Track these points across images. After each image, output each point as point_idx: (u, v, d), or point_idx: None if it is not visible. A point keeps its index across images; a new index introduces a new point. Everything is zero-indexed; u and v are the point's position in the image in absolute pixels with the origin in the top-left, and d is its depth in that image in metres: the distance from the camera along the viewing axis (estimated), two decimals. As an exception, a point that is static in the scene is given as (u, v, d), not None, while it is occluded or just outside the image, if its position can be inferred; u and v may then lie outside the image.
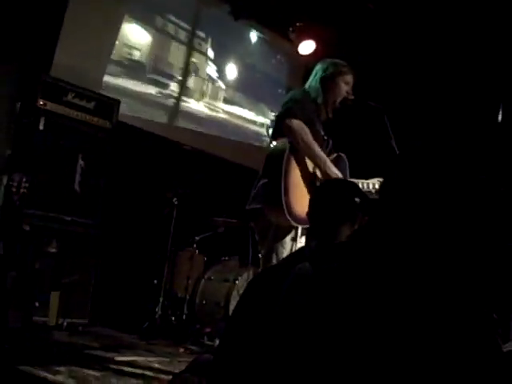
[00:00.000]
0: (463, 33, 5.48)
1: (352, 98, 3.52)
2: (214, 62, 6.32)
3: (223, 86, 6.45)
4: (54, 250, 4.31)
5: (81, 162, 4.50)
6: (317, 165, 3.28)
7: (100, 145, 4.64)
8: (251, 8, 6.07)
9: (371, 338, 1.58)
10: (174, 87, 5.99)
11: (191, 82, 6.18)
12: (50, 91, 4.38)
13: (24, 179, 4.06)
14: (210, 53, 6.30)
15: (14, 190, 4.05)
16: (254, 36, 6.61)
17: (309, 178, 3.29)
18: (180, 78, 6.05)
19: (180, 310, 5.15)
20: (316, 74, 3.55)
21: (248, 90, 6.64)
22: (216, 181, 5.88)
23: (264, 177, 3.26)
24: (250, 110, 6.71)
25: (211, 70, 6.33)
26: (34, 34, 4.52)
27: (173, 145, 5.84)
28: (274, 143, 3.37)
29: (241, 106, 6.63)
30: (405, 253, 1.74)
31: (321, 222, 2.15)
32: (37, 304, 4.13)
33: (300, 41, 6.09)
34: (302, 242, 3.27)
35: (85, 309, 4.51)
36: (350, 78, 3.53)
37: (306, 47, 6.10)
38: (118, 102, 4.84)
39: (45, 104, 4.32)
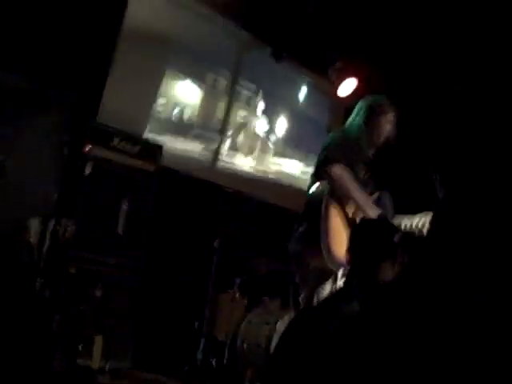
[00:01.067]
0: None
1: (395, 137, 3.50)
2: (264, 114, 6.35)
3: (272, 139, 6.46)
4: (98, 294, 4.33)
5: (125, 205, 4.55)
6: (360, 208, 3.26)
7: (144, 188, 4.69)
8: (292, 49, 6.11)
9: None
10: (222, 144, 6.02)
11: (240, 137, 6.20)
12: (97, 136, 4.48)
13: (70, 223, 4.13)
14: (260, 106, 6.33)
15: (61, 233, 4.11)
16: (297, 78, 6.63)
17: (348, 222, 3.27)
18: (229, 133, 6.09)
19: (221, 353, 5.09)
20: (358, 113, 3.54)
21: (295, 138, 6.61)
22: (257, 223, 5.87)
23: (304, 220, 3.27)
24: (300, 160, 6.66)
25: (261, 124, 6.36)
26: (83, 79, 4.65)
27: (215, 188, 5.86)
28: (314, 187, 3.37)
29: (291, 157, 6.61)
30: (450, 298, 1.70)
31: (360, 260, 2.14)
32: (80, 347, 4.13)
33: (340, 80, 6.09)
34: (341, 283, 3.23)
35: (127, 352, 4.49)
36: (392, 116, 3.51)
37: (346, 87, 6.10)
38: (161, 146, 4.90)
39: (92, 149, 4.41)
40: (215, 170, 5.97)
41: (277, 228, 4.92)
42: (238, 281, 5.39)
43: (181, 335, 5.21)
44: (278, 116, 6.50)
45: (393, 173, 3.84)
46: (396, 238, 2.13)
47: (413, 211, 3.49)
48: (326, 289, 3.22)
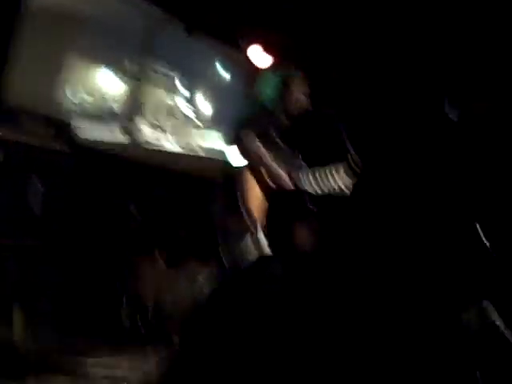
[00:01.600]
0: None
1: (307, 106, 3.60)
2: (184, 93, 6.38)
3: (195, 116, 6.47)
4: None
5: (41, 187, 4.47)
6: (272, 180, 3.35)
7: (60, 170, 4.61)
8: (202, 22, 6.10)
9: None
10: (148, 132, 6.00)
11: (163, 118, 6.22)
12: (7, 120, 4.35)
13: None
14: (180, 85, 6.39)
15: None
16: (210, 52, 6.64)
17: (267, 192, 3.36)
18: (155, 122, 6.09)
19: (146, 315, 5.11)
20: (271, 84, 3.62)
21: (218, 113, 6.68)
22: (178, 194, 5.88)
23: (224, 188, 3.34)
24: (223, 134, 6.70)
25: (182, 103, 6.39)
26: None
27: (134, 163, 5.81)
28: (231, 160, 3.45)
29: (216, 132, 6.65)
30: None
31: (276, 227, 2.21)
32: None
33: (252, 50, 6.13)
34: (261, 237, 3.34)
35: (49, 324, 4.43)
36: (304, 86, 3.61)
37: (259, 57, 6.14)
38: (78, 126, 4.82)
39: (2, 134, 4.29)
40: (134, 148, 5.93)
41: (198, 197, 4.95)
42: (159, 242, 5.41)
43: (104, 300, 5.19)
44: (199, 93, 6.52)
45: (307, 138, 3.98)
46: (309, 204, 2.21)
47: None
48: (248, 241, 3.31)
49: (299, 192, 2.49)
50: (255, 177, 3.31)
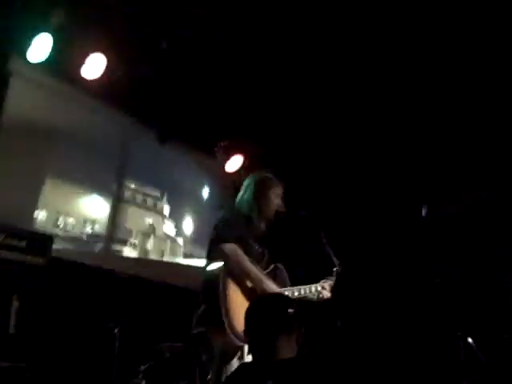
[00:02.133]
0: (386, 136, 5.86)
1: (283, 210, 3.63)
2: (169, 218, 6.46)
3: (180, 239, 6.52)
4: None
5: (15, 303, 4.35)
6: (255, 285, 3.33)
7: (34, 283, 4.50)
8: (177, 131, 6.25)
9: None
10: (132, 253, 6.03)
11: (150, 242, 6.27)
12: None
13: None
14: (166, 208, 6.47)
15: None
16: (184, 161, 6.75)
17: (250, 297, 3.32)
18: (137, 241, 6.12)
19: None
20: (247, 190, 3.66)
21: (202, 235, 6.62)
22: (158, 306, 5.77)
23: (203, 303, 3.28)
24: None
25: (168, 226, 6.47)
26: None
27: (109, 274, 5.75)
28: (209, 267, 3.41)
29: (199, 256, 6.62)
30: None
31: (257, 336, 2.16)
32: None
33: (226, 159, 6.27)
34: (249, 358, 3.25)
35: None
36: (279, 190, 3.66)
37: (233, 164, 6.28)
38: (51, 238, 4.77)
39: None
40: (109, 257, 5.87)
41: (179, 310, 4.86)
42: (142, 368, 5.22)
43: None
44: (179, 210, 6.63)
45: (286, 244, 4.01)
46: (291, 311, 2.17)
47: (308, 281, 3.63)
48: (234, 365, 3.22)
49: (277, 297, 2.45)
50: (239, 286, 3.26)
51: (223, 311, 3.14)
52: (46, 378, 4.61)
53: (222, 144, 6.21)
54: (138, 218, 6.24)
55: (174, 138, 6.35)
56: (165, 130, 6.22)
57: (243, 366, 2.59)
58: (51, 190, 5.51)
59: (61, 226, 5.51)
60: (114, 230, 5.94)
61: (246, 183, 3.74)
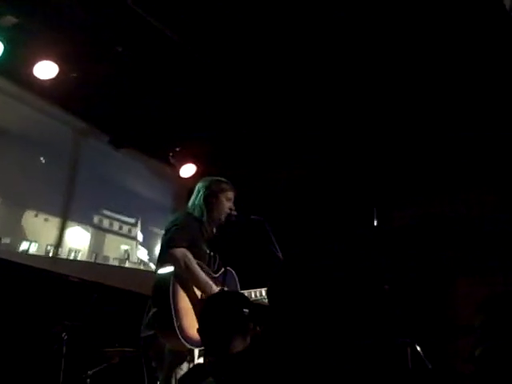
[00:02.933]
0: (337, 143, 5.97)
1: (235, 213, 3.67)
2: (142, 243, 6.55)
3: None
4: None
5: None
6: (202, 290, 3.35)
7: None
8: (131, 138, 6.23)
9: None
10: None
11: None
12: None
13: None
14: (140, 236, 6.59)
15: None
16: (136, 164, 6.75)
17: (197, 301, 3.34)
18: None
19: None
20: (199, 193, 3.69)
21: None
22: (106, 310, 5.71)
23: (154, 306, 3.28)
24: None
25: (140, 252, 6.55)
26: None
27: (57, 277, 5.68)
28: (160, 270, 3.42)
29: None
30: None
31: (211, 337, 2.14)
32: None
33: (181, 164, 6.28)
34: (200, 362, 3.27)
35: None
36: (231, 194, 3.71)
37: (187, 170, 6.30)
38: (-2, 239, 4.69)
39: None
40: (57, 261, 5.80)
41: (130, 315, 4.83)
42: (90, 373, 5.16)
43: None
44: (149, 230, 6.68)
45: (237, 248, 4.04)
46: (246, 311, 2.15)
47: (257, 286, 3.67)
48: (184, 369, 3.23)
49: (232, 296, 2.46)
50: (188, 290, 3.26)
51: (173, 315, 3.15)
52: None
53: (176, 150, 6.22)
54: (114, 245, 6.40)
55: (129, 143, 6.34)
56: (119, 136, 6.20)
57: (196, 366, 2.60)
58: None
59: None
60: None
61: (197, 187, 3.77)
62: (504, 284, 5.44)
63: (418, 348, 4.20)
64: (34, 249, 5.60)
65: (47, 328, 5.04)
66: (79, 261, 6.04)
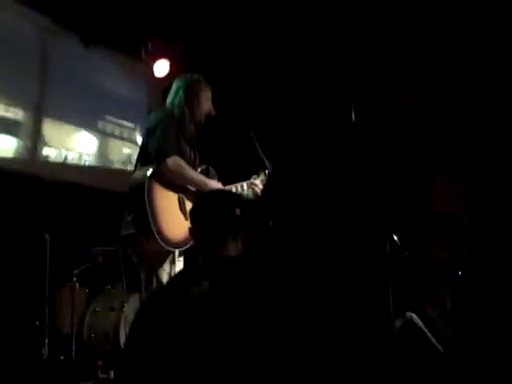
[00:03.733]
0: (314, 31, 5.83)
1: (213, 112, 3.63)
2: None
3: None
4: None
5: None
6: (199, 189, 3.36)
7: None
8: (101, 36, 6.01)
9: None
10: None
11: None
12: None
13: None
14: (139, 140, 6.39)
15: None
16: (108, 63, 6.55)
17: (175, 202, 3.35)
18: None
19: (68, 347, 4.98)
20: (177, 92, 3.61)
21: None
22: (87, 210, 5.74)
23: (131, 211, 3.28)
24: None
25: None
26: None
27: (36, 180, 5.66)
28: (137, 173, 3.40)
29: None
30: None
31: (204, 237, 2.14)
32: None
33: (154, 61, 6.12)
34: (180, 261, 3.34)
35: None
36: (209, 92, 3.65)
37: (161, 67, 6.14)
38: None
39: None
40: (35, 163, 5.76)
41: (109, 213, 4.87)
42: (75, 272, 5.28)
43: (23, 335, 5.01)
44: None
45: (216, 147, 4.03)
46: (237, 211, 2.14)
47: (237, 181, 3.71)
48: (166, 270, 3.29)
49: (224, 196, 2.46)
50: (163, 192, 3.30)
51: (150, 219, 3.16)
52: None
53: (149, 46, 6.03)
54: (118, 149, 6.61)
55: (99, 41, 6.12)
56: (88, 33, 5.97)
57: (187, 267, 2.63)
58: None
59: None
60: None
61: (175, 86, 3.68)
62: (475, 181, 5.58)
63: (396, 238, 4.33)
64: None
65: (30, 231, 5.09)
66: (59, 163, 6.00)
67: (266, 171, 3.70)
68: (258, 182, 3.70)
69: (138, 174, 3.37)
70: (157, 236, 3.15)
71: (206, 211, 2.18)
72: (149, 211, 3.16)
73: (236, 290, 1.83)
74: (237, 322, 1.75)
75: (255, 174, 3.73)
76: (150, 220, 3.15)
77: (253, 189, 3.66)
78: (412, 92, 6.00)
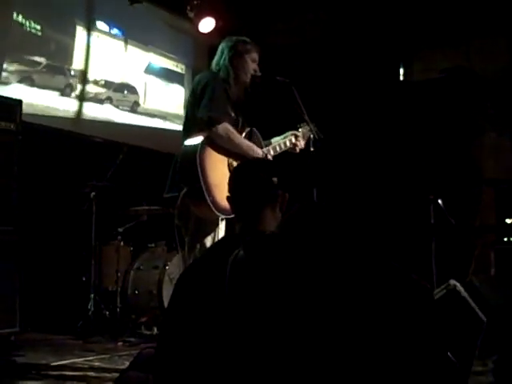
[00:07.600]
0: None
1: (259, 74, 3.56)
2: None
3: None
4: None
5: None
6: (246, 156, 3.34)
7: (6, 149, 4.43)
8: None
9: (311, 314, 1.68)
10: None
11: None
12: None
13: None
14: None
15: None
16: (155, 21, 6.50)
17: (225, 169, 3.33)
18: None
19: (113, 303, 5.11)
20: (223, 53, 3.54)
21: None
22: (132, 169, 5.78)
23: (184, 184, 3.25)
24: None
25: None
26: None
27: (83, 139, 5.71)
28: (187, 142, 3.37)
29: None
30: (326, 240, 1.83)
31: (242, 206, 2.13)
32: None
33: (199, 19, 6.04)
34: (223, 224, 3.33)
35: (14, 317, 4.35)
36: (256, 55, 3.56)
37: (207, 25, 6.06)
38: (20, 102, 4.62)
39: None
40: (79, 121, 5.81)
41: (154, 172, 4.88)
42: (120, 230, 5.36)
43: (69, 291, 5.17)
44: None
45: (260, 110, 3.97)
46: (275, 180, 2.11)
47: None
48: (210, 234, 3.29)
49: (261, 165, 2.42)
50: (215, 162, 3.25)
51: (205, 191, 3.14)
52: (30, 240, 4.70)
53: (194, 3, 5.94)
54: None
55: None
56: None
57: (226, 236, 2.62)
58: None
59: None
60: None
61: (221, 47, 3.60)
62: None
63: (441, 203, 4.23)
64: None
65: (75, 189, 5.17)
66: (104, 121, 6.04)
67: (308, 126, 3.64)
68: (299, 134, 3.67)
69: (189, 143, 3.33)
70: (212, 207, 3.13)
71: (243, 180, 2.15)
72: (203, 184, 3.15)
73: (271, 262, 1.82)
74: (271, 292, 1.75)
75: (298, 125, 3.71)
76: (205, 193, 3.14)
77: (294, 144, 3.63)
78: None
